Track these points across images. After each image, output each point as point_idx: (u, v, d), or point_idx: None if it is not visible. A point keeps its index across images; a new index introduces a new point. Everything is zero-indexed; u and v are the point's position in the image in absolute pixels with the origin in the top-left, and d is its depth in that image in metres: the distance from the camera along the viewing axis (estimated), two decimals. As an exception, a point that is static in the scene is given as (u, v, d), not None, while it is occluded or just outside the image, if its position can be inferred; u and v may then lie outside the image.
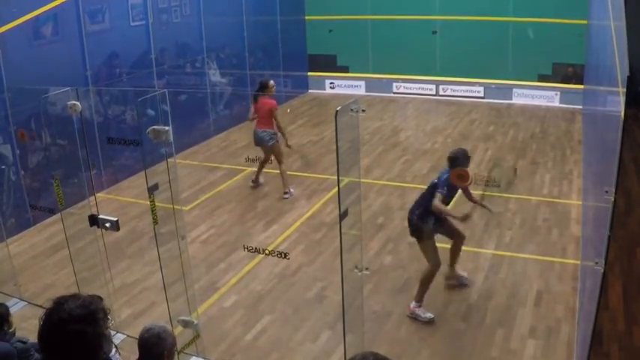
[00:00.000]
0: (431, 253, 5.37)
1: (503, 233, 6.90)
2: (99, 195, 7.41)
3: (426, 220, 5.32)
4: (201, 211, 7.92)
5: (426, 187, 5.54)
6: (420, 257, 5.56)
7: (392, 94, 13.98)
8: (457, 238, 5.75)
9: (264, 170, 8.43)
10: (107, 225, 4.96)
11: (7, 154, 7.39)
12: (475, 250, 6.53)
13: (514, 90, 12.95)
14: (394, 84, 13.95)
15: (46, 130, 6.20)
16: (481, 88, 13.22)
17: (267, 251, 5.10)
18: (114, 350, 2.18)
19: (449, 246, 5.78)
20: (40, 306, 5.45)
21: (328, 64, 14.50)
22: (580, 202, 7.54)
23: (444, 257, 5.56)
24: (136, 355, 3.15)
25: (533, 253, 6.41)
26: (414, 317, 5.33)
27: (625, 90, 2.95)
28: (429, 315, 5.32)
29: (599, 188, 3.78)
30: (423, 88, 13.73)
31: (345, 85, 14.48)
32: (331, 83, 14.62)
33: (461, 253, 5.86)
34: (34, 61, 7.63)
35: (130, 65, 9.53)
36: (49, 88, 5.21)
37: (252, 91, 8.06)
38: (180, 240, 4.71)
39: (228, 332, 5.30)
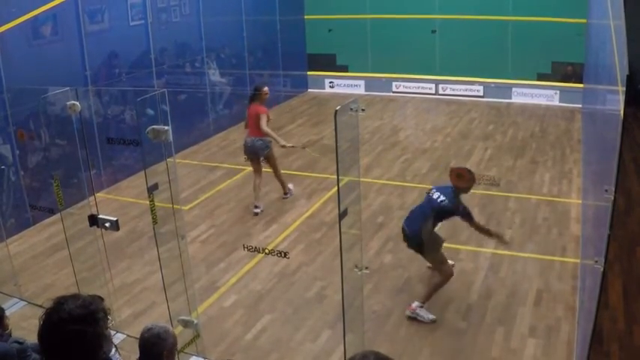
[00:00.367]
0: (442, 264, 5.38)
1: (503, 232, 6.89)
2: (98, 195, 7.41)
3: (434, 233, 5.34)
4: (201, 210, 7.92)
5: (423, 188, 5.49)
6: (420, 257, 5.57)
7: (391, 94, 13.99)
8: None
9: (264, 170, 8.31)
10: (107, 225, 4.95)
11: (6, 154, 7.39)
12: (475, 249, 6.53)
13: (513, 89, 12.95)
14: (394, 83, 13.95)
15: (46, 130, 6.19)
16: (480, 87, 13.22)
17: (266, 251, 5.10)
18: (114, 350, 2.18)
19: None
20: (40, 306, 5.45)
21: (328, 63, 14.49)
22: (580, 201, 7.54)
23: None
24: (137, 354, 3.16)
25: (533, 252, 6.41)
26: (413, 317, 5.30)
27: (624, 89, 2.95)
28: (432, 316, 5.29)
29: (598, 187, 3.78)
30: (422, 88, 13.73)
31: (344, 85, 14.48)
32: (331, 82, 14.62)
33: (460, 253, 5.85)
34: (33, 61, 7.62)
35: (129, 65, 9.52)
36: (49, 88, 5.21)
37: (250, 92, 7.72)
38: (180, 240, 4.71)
39: (228, 332, 5.30)
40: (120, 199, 8.38)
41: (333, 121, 3.43)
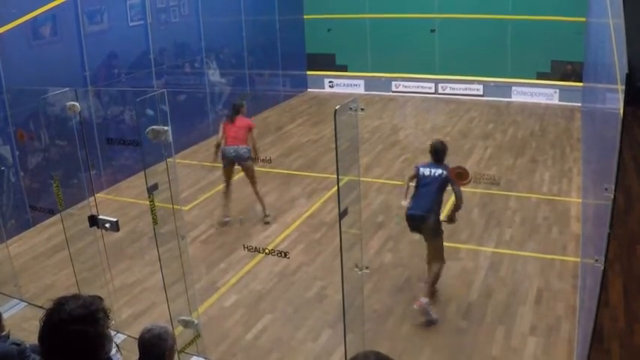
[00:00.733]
0: (442, 249, 5.43)
1: (503, 231, 6.91)
2: (98, 195, 7.40)
3: (439, 217, 5.40)
4: (201, 210, 7.92)
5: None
6: (421, 255, 5.57)
7: (391, 93, 13.99)
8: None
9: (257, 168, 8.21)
10: (107, 225, 4.95)
11: (6, 155, 7.39)
12: (475, 248, 6.53)
13: (513, 88, 12.96)
14: (393, 82, 13.95)
15: (46, 130, 6.19)
16: (480, 86, 13.22)
17: (267, 251, 5.09)
18: (114, 350, 2.18)
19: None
20: (41, 307, 5.45)
21: (327, 63, 14.50)
22: (580, 200, 7.54)
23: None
24: (137, 355, 3.15)
25: (534, 251, 6.41)
26: (423, 312, 5.22)
27: (624, 87, 2.95)
28: (436, 316, 5.29)
29: (598, 186, 3.78)
30: (422, 87, 13.74)
31: (344, 84, 14.49)
32: (330, 82, 14.62)
33: (460, 252, 5.86)
34: (33, 61, 7.63)
35: (128, 65, 9.53)
36: (48, 89, 5.21)
37: (236, 105, 7.48)
38: (180, 240, 4.71)
39: (228, 332, 5.30)
40: (120, 199, 8.38)
41: (332, 120, 3.43)
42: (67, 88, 5.03)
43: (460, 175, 5.38)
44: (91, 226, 5.03)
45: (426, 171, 5.44)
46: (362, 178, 4.14)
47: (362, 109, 3.73)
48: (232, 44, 12.13)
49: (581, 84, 11.92)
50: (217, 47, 11.73)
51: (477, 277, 5.96)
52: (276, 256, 5.70)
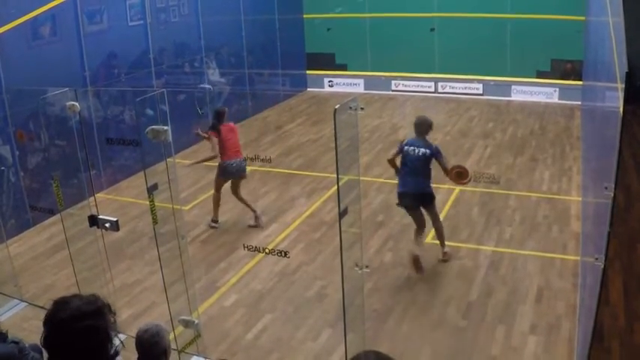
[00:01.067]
0: (437, 211, 6.20)
1: (503, 230, 6.90)
2: (98, 195, 7.41)
3: (430, 187, 6.00)
4: (201, 210, 7.92)
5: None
6: (420, 255, 5.55)
7: (391, 92, 13.98)
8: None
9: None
10: (107, 225, 4.95)
11: (6, 155, 7.39)
12: (475, 247, 6.53)
13: (513, 87, 12.96)
14: (393, 82, 13.95)
15: (45, 131, 6.19)
16: (480, 85, 13.22)
17: (267, 250, 5.10)
18: (120, 345, 2.18)
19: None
20: (41, 307, 5.45)
21: (327, 62, 14.49)
22: (580, 199, 7.54)
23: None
24: (137, 355, 3.16)
25: (534, 250, 6.41)
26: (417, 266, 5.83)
27: (624, 86, 2.95)
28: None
29: (598, 184, 3.78)
30: (421, 86, 13.73)
31: (343, 83, 14.48)
32: (330, 81, 14.62)
33: (461, 251, 5.87)
34: (32, 61, 7.62)
35: (128, 65, 9.52)
36: (48, 89, 5.21)
37: (214, 122, 7.18)
38: (180, 240, 4.71)
39: (228, 331, 5.30)
40: (120, 199, 8.38)
41: (332, 119, 3.42)
42: (67, 88, 5.03)
43: (460, 174, 5.40)
44: (91, 226, 5.04)
45: (411, 149, 5.87)
46: (362, 178, 4.14)
47: (362, 109, 3.73)
48: (232, 44, 12.12)
49: (580, 82, 11.92)
50: (217, 47, 11.73)
51: (477, 276, 5.96)
52: (276, 256, 5.71)
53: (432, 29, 13.25)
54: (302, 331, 5.26)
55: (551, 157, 9.24)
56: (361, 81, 14.27)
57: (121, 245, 6.80)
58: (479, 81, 13.20)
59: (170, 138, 4.31)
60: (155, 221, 4.57)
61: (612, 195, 3.00)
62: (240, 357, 4.97)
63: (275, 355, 4.96)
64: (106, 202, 8.05)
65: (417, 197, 5.93)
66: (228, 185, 7.28)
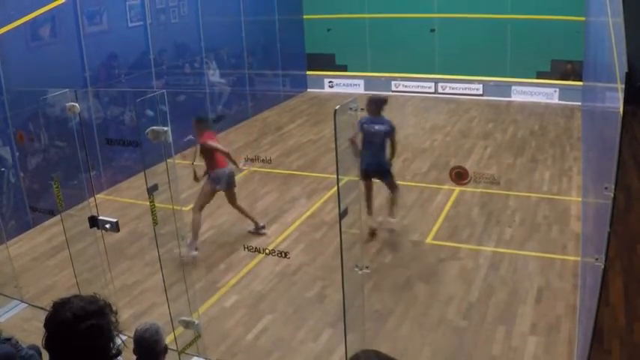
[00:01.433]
0: (396, 181, 6.74)
1: (503, 231, 6.90)
2: (98, 196, 7.41)
3: (388, 162, 6.57)
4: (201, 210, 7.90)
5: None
6: (420, 255, 5.58)
7: (391, 93, 13.97)
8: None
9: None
10: (107, 226, 4.96)
11: (6, 156, 7.39)
12: (475, 247, 6.53)
13: (513, 87, 12.96)
14: (393, 82, 13.95)
15: (45, 131, 6.19)
16: (480, 86, 13.22)
17: (267, 251, 5.10)
18: (119, 341, 2.18)
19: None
20: (42, 308, 5.45)
21: (327, 63, 14.49)
22: (580, 199, 7.54)
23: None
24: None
25: (534, 251, 6.41)
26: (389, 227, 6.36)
27: (624, 86, 2.95)
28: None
29: (598, 185, 3.78)
30: (421, 86, 13.73)
31: (343, 84, 14.48)
32: (330, 82, 14.62)
33: (461, 252, 5.86)
34: (32, 62, 7.62)
35: (128, 66, 9.52)
36: (48, 90, 5.21)
37: (196, 130, 6.62)
38: (180, 240, 4.71)
39: (229, 332, 5.30)
40: (120, 200, 8.38)
41: (332, 120, 3.43)
42: (67, 89, 5.03)
43: (460, 175, 5.41)
44: (91, 227, 5.04)
45: (371, 127, 6.33)
46: (362, 178, 4.14)
47: (362, 109, 3.74)
48: (232, 44, 12.12)
49: (581, 83, 11.92)
50: (217, 48, 11.73)
51: (477, 277, 5.96)
52: (276, 256, 5.70)
53: (433, 30, 13.26)
54: (302, 331, 5.26)
55: (552, 158, 9.24)
56: (361, 82, 14.27)
57: (121, 246, 6.80)
58: (479, 81, 13.20)
59: (170, 139, 4.31)
60: (155, 222, 4.57)
61: (612, 195, 3.00)
62: (241, 358, 4.97)
63: (275, 356, 4.96)
64: (106, 202, 8.06)
65: (377, 172, 6.53)
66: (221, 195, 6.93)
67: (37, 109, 6.20)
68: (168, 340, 3.84)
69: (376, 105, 6.46)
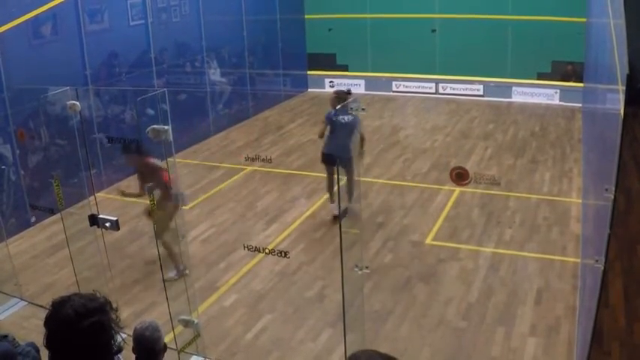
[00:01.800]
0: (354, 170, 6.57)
1: (503, 232, 6.90)
2: (99, 195, 7.39)
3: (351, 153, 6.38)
4: (201, 210, 7.92)
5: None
6: (420, 256, 5.59)
7: (391, 93, 13.98)
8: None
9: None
10: (107, 224, 4.96)
11: (7, 154, 7.39)
12: (475, 248, 6.53)
13: (513, 88, 12.95)
14: (394, 82, 13.95)
15: (46, 129, 6.20)
16: (480, 87, 13.22)
17: (267, 250, 5.10)
18: (120, 338, 2.18)
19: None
20: (42, 306, 5.46)
21: (328, 62, 14.49)
22: (580, 201, 7.54)
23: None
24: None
25: (534, 252, 6.41)
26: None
27: (624, 88, 2.95)
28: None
29: (599, 186, 3.78)
30: (422, 87, 13.73)
31: (344, 84, 14.47)
32: (331, 82, 14.61)
33: (460, 253, 5.85)
34: (33, 60, 7.62)
35: (129, 65, 9.53)
36: (49, 88, 5.22)
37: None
38: (180, 239, 4.72)
39: (228, 331, 5.30)
40: (120, 198, 8.37)
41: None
42: (68, 87, 5.03)
43: (460, 176, 5.41)
44: (91, 225, 5.04)
45: (340, 119, 6.53)
46: (362, 178, 4.15)
47: (362, 109, 3.74)
48: (233, 44, 12.12)
49: (581, 84, 11.92)
50: (218, 47, 11.73)
51: (477, 278, 5.96)
52: (276, 256, 5.69)
53: (434, 30, 13.25)
54: (302, 331, 5.26)
55: (552, 159, 9.24)
56: (362, 82, 14.27)
57: (121, 244, 6.80)
58: (479, 82, 13.19)
59: (171, 137, 4.32)
60: (155, 221, 4.57)
61: (613, 197, 3.00)
62: (240, 357, 4.97)
63: (275, 355, 4.96)
64: (107, 201, 8.04)
65: (340, 158, 6.55)
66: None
67: (37, 107, 6.21)
68: (167, 338, 3.84)
69: (343, 99, 6.76)
